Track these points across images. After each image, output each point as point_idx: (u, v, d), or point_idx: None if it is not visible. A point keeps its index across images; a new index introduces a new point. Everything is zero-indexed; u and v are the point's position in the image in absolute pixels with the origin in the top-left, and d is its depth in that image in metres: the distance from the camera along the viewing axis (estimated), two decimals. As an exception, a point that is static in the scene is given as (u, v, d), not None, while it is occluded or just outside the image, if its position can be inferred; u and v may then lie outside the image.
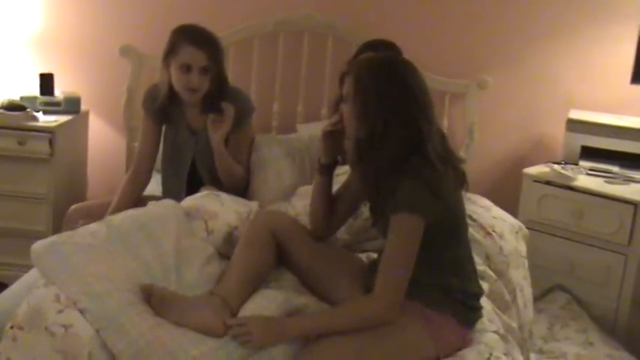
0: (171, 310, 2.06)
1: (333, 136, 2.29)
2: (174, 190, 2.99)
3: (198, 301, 2.12)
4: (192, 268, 2.32)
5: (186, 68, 2.82)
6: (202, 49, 2.82)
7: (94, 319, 2.01)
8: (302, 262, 2.34)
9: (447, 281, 2.15)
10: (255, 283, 2.26)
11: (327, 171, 2.36)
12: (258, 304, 2.17)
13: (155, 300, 2.07)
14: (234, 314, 2.13)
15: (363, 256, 2.51)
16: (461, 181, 2.21)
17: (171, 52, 2.85)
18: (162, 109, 2.96)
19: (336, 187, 2.44)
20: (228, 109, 2.83)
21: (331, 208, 2.39)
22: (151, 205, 2.60)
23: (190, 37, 2.84)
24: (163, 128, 3.05)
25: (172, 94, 2.92)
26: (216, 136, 2.82)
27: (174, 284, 2.23)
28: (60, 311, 2.02)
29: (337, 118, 2.26)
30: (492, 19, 3.77)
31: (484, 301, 2.36)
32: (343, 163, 2.33)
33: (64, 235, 2.31)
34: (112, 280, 2.11)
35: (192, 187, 2.94)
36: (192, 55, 2.81)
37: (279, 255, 2.36)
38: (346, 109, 2.17)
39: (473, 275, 2.28)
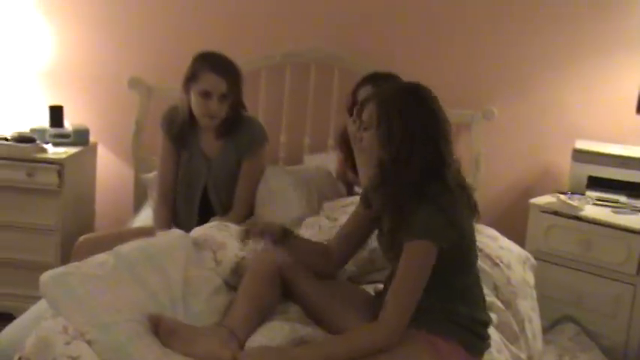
0: (178, 341, 2.06)
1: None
2: (186, 218, 3.00)
3: (206, 332, 2.12)
4: (200, 298, 2.33)
5: (206, 95, 2.86)
6: (223, 77, 2.87)
7: (101, 350, 2.01)
8: (307, 295, 2.33)
9: (454, 308, 2.15)
10: (263, 315, 2.26)
11: (284, 240, 2.36)
12: (265, 335, 2.17)
13: (163, 330, 2.07)
14: (241, 345, 2.13)
15: (370, 287, 2.51)
16: (473, 210, 2.23)
17: (191, 78, 2.90)
18: (181, 132, 3.00)
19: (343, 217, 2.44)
20: None
21: (322, 256, 2.39)
22: (160, 235, 2.60)
23: (212, 64, 2.89)
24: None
25: (190, 119, 2.96)
26: None
27: (181, 314, 2.23)
28: (68, 343, 2.02)
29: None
30: (498, 49, 3.80)
31: (492, 332, 2.35)
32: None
33: (72, 266, 2.31)
34: (120, 311, 2.12)
35: (204, 217, 2.95)
36: (213, 82, 2.86)
37: (285, 288, 2.36)
38: (368, 136, 2.20)
39: (481, 303, 2.28)
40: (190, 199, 3.04)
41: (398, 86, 2.27)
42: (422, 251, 2.06)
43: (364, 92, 3.09)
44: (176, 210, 3.11)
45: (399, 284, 2.07)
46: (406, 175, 2.11)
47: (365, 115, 2.21)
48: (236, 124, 2.97)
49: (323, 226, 2.76)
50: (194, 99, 2.90)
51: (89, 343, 2.03)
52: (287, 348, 2.11)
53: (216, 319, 2.26)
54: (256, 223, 2.33)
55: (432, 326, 2.12)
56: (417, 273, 2.06)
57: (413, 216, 2.07)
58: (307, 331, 2.23)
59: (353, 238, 2.39)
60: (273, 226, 2.38)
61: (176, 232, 2.60)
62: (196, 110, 2.91)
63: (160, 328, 2.08)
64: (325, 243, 2.45)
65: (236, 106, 2.97)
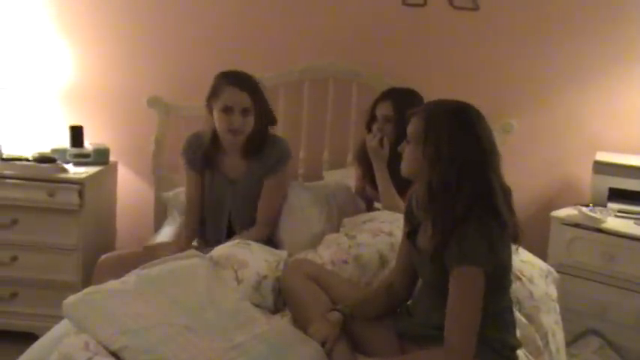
0: None
1: None
2: (213, 240, 2.99)
3: None
4: (228, 300, 2.36)
5: (228, 110, 2.87)
6: (243, 90, 2.88)
7: (133, 354, 2.03)
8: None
9: (485, 332, 2.11)
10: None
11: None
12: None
13: None
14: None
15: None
16: (516, 239, 2.21)
17: (212, 96, 2.91)
18: (206, 155, 3.01)
19: None
20: None
21: (386, 297, 2.39)
22: (178, 256, 2.61)
23: (231, 79, 2.91)
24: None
25: (216, 141, 2.97)
26: None
27: (211, 313, 2.26)
28: (89, 359, 2.03)
29: None
30: (517, 62, 3.79)
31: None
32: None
33: (94, 287, 2.35)
34: (146, 317, 2.16)
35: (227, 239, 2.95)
36: (233, 96, 2.87)
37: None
38: (410, 149, 2.18)
39: (511, 328, 2.26)
40: (217, 225, 3.04)
41: (448, 106, 2.18)
42: (472, 276, 2.04)
43: (383, 107, 3.11)
44: (205, 235, 3.11)
45: (458, 311, 2.05)
46: (455, 199, 2.08)
47: (410, 128, 2.18)
48: (262, 144, 2.96)
49: (342, 244, 2.75)
50: (217, 116, 2.90)
51: (117, 353, 2.04)
52: None
53: (249, 315, 2.31)
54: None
55: None
56: (472, 297, 2.05)
57: (460, 239, 2.05)
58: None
59: (410, 267, 2.37)
60: (336, 328, 2.29)
61: (192, 252, 2.64)
62: (219, 127, 2.91)
63: None
64: (387, 279, 2.45)
65: (263, 123, 2.96)
